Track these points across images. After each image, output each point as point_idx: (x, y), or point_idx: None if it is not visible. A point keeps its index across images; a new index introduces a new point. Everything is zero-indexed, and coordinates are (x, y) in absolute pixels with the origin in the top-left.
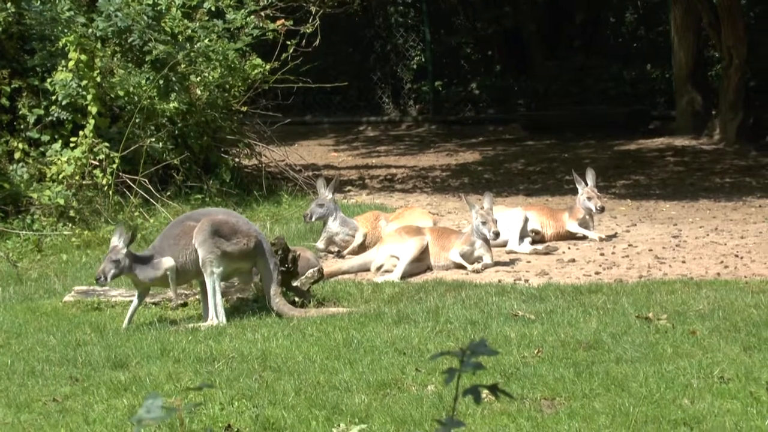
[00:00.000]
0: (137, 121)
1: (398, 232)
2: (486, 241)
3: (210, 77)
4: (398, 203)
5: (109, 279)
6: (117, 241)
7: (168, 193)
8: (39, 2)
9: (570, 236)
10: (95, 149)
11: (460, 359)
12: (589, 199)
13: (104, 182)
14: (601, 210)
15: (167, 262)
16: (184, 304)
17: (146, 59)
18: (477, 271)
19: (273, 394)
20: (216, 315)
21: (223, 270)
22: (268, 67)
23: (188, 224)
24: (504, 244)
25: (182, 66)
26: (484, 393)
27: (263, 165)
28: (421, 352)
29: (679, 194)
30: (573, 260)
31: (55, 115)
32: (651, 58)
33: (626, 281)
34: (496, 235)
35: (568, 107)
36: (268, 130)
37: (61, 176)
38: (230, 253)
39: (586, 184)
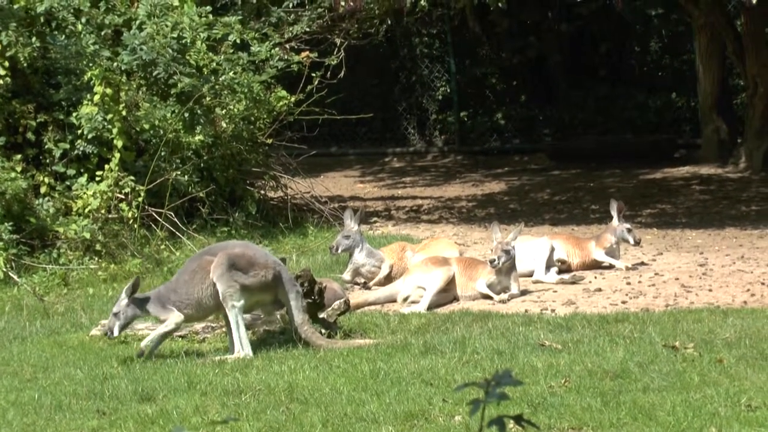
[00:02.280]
0: (163, 154)
1: (424, 262)
2: (513, 268)
3: (235, 110)
4: (424, 234)
5: (116, 333)
6: (124, 290)
7: (194, 226)
8: (64, 36)
9: (596, 265)
10: (121, 183)
11: (485, 390)
12: (629, 231)
13: (130, 216)
14: (638, 243)
15: (176, 317)
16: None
17: (171, 92)
18: (503, 302)
19: (300, 427)
20: (242, 347)
21: (244, 303)
22: (293, 99)
23: (205, 259)
24: (530, 274)
25: (207, 99)
26: (511, 423)
27: (289, 197)
28: (448, 382)
29: (705, 223)
30: (599, 289)
31: (81, 149)
32: (676, 86)
33: (653, 310)
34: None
35: (594, 137)
36: (294, 161)
37: (87, 210)
38: (249, 286)
39: (619, 217)
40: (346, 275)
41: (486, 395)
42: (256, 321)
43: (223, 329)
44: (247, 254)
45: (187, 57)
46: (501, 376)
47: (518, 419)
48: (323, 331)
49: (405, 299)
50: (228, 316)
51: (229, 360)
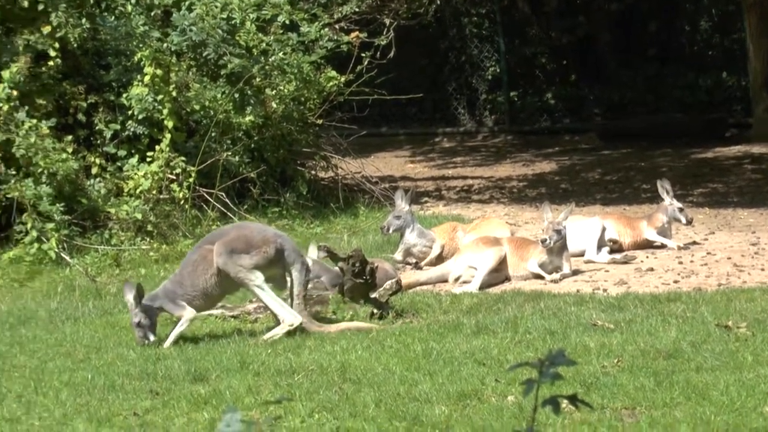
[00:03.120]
0: (213, 134)
1: (476, 242)
2: (564, 247)
3: (285, 90)
4: (475, 214)
5: (151, 338)
6: (131, 300)
7: (245, 207)
8: (114, 17)
9: (647, 245)
10: (172, 163)
11: (539, 370)
12: (680, 210)
13: (181, 196)
14: (690, 222)
15: (188, 313)
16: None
17: (221, 73)
18: (555, 281)
19: (353, 406)
20: (285, 316)
21: (261, 276)
22: (343, 79)
23: (205, 248)
24: (582, 254)
25: (257, 79)
26: (564, 403)
27: (339, 177)
28: (500, 362)
29: (757, 202)
30: (651, 269)
31: (132, 129)
32: (726, 65)
33: (705, 289)
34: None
35: (644, 116)
36: (344, 142)
37: (138, 191)
38: (254, 264)
39: (668, 194)
40: (398, 255)
41: (540, 375)
42: (308, 300)
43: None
44: (243, 235)
45: (237, 38)
46: (555, 355)
47: (572, 399)
48: (375, 311)
49: (456, 279)
50: (256, 296)
51: (278, 333)
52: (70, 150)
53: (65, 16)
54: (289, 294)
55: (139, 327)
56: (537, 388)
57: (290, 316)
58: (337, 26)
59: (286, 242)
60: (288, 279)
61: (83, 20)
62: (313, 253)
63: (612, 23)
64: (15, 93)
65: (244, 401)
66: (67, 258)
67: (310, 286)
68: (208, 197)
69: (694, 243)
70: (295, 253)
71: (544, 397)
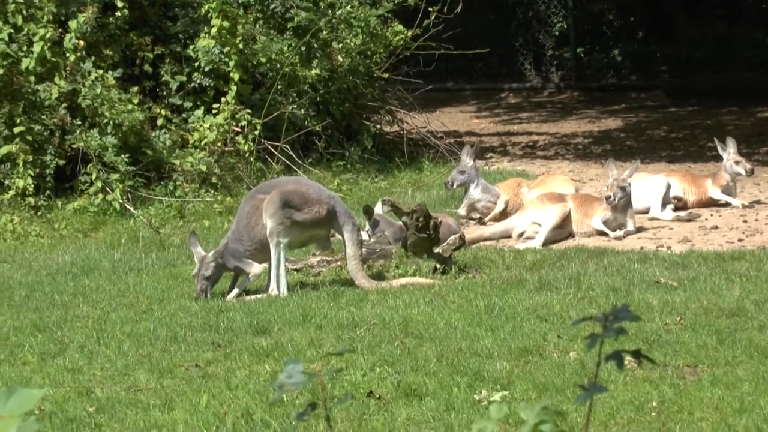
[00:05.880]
0: (279, 87)
1: (540, 198)
2: (629, 205)
3: (352, 44)
4: (540, 170)
5: (209, 295)
6: (208, 253)
7: (309, 160)
8: None
9: (712, 203)
10: (237, 116)
11: (603, 324)
12: (737, 163)
13: (246, 149)
14: (751, 172)
15: (257, 268)
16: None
17: (288, 26)
18: (619, 238)
19: (414, 361)
20: (277, 286)
21: (291, 240)
22: (409, 33)
23: (258, 197)
24: (646, 211)
25: (324, 33)
26: (626, 360)
27: (405, 132)
28: (562, 318)
29: None
30: (716, 227)
31: (198, 81)
32: None
33: None
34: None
35: (711, 74)
36: (410, 96)
37: (203, 143)
38: (301, 222)
39: (724, 151)
40: (462, 210)
41: (604, 330)
42: (371, 255)
43: (339, 263)
44: (300, 191)
45: None
46: (619, 310)
47: (636, 354)
48: (438, 266)
49: (520, 235)
50: (272, 251)
51: (261, 298)
52: (135, 101)
53: None
54: (344, 254)
55: (206, 280)
56: (600, 342)
57: (281, 289)
58: None
59: (338, 204)
60: (327, 244)
61: None
62: (378, 209)
63: None
64: (82, 43)
65: (306, 354)
66: (131, 209)
67: (363, 249)
68: (273, 150)
69: (759, 202)
70: (346, 215)
71: (606, 353)
